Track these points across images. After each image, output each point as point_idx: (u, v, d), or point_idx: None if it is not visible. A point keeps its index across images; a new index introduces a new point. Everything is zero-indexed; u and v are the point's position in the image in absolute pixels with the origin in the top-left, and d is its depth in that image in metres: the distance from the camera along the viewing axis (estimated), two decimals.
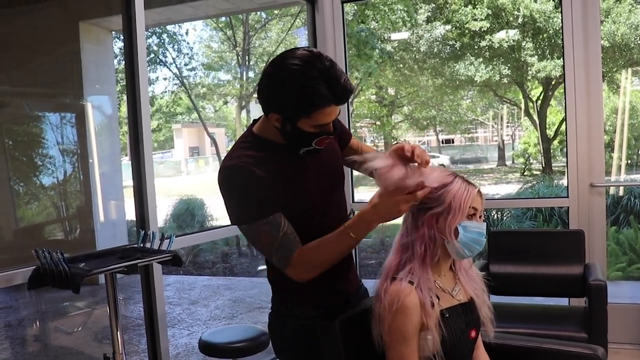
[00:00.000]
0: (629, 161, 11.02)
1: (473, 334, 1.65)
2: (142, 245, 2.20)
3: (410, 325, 1.52)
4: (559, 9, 3.47)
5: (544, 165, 12.55)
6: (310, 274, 1.58)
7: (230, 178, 1.55)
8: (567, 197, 3.53)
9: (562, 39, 3.46)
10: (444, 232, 1.56)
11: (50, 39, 4.60)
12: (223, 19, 9.64)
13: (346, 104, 3.90)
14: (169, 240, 2.16)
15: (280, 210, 1.56)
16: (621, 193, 7.42)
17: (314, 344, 1.66)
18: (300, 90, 1.43)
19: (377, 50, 10.02)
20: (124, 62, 2.66)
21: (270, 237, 1.54)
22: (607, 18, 9.21)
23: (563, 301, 3.51)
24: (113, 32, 5.60)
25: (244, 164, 1.53)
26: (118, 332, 2.07)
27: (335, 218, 1.72)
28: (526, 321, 2.94)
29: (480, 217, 1.61)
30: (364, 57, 9.74)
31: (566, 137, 3.54)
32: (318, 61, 1.44)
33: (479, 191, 1.60)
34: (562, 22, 3.46)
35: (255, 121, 1.67)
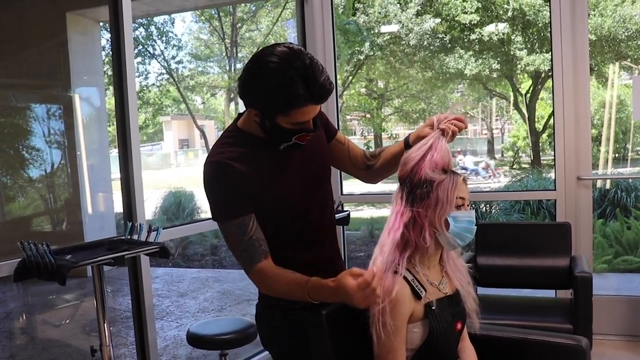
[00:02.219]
0: (617, 155, 11.10)
1: (459, 326, 1.67)
2: (129, 237, 2.20)
3: (399, 317, 1.53)
4: (548, 2, 3.49)
5: (532, 159, 12.61)
6: (265, 290, 1.62)
7: (210, 174, 1.57)
8: (555, 190, 3.56)
9: (550, 33, 3.47)
10: (434, 225, 1.57)
11: (37, 30, 4.55)
12: (213, 11, 9.58)
13: (335, 97, 3.89)
14: (156, 232, 2.16)
15: (261, 207, 1.56)
16: (608, 186, 7.48)
17: (302, 335, 1.66)
18: (276, 90, 1.42)
19: (367, 43, 9.99)
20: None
21: (236, 239, 1.56)
22: (594, 11, 9.24)
23: (550, 293, 3.55)
24: (100, 23, 5.55)
25: (225, 160, 1.55)
26: (105, 325, 2.07)
27: (319, 214, 1.73)
28: (513, 313, 2.97)
29: (468, 205, 1.62)
30: (352, 45, 9.69)
31: (554, 131, 3.56)
32: (297, 59, 1.43)
33: (463, 179, 1.61)
34: (550, 16, 3.48)
35: (240, 114, 1.67)
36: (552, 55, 3.49)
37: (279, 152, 1.60)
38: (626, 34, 9.26)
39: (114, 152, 5.79)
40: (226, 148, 1.59)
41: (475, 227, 1.61)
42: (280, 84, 1.42)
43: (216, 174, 1.56)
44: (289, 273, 1.55)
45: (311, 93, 1.43)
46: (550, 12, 3.47)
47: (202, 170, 1.59)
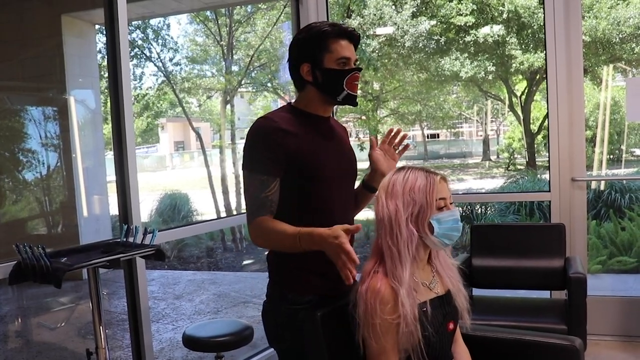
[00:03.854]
0: (611, 156, 11.14)
1: (451, 326, 1.67)
2: (124, 239, 2.19)
3: (390, 319, 1.53)
4: (542, 4, 3.51)
5: (527, 160, 12.64)
6: (260, 244, 1.77)
7: (255, 129, 1.74)
8: (549, 191, 3.58)
9: (545, 35, 3.49)
10: (419, 230, 1.57)
11: (32, 33, 4.54)
12: (208, 13, 9.56)
13: None
14: (151, 234, 2.16)
15: (297, 165, 1.70)
16: (602, 187, 7.50)
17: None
18: (316, 31, 1.77)
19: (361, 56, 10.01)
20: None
21: (255, 191, 1.71)
22: (589, 13, 9.28)
23: (545, 294, 3.56)
24: (96, 26, 5.55)
25: (274, 118, 1.74)
26: (101, 327, 2.06)
27: (344, 208, 1.83)
28: (508, 313, 2.98)
29: (451, 203, 1.62)
30: None
31: (548, 132, 3.58)
32: (328, 21, 1.79)
33: (442, 178, 1.61)
34: (544, 17, 3.49)
35: (289, 103, 1.89)
36: (546, 56, 3.50)
37: (323, 129, 1.82)
38: (620, 36, 9.30)
39: (110, 155, 5.79)
40: (277, 112, 1.81)
41: (461, 224, 1.61)
42: (319, 27, 1.78)
43: (261, 129, 1.73)
44: (284, 224, 1.67)
45: (341, 28, 1.77)
46: (544, 13, 3.49)
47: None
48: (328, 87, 1.77)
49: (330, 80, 1.76)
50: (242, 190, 1.79)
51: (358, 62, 1.82)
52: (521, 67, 10.39)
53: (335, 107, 3.05)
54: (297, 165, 1.71)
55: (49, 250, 1.91)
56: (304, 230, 1.61)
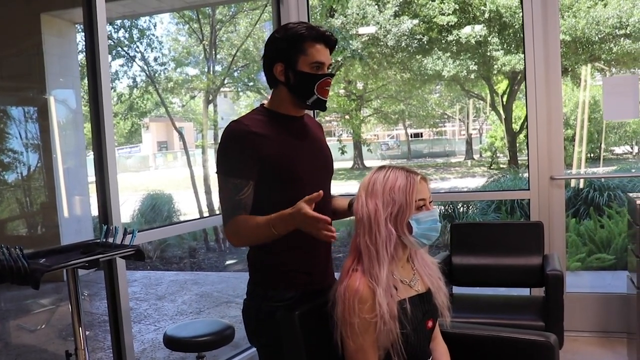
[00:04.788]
0: (592, 154, 11.29)
1: (430, 324, 1.69)
2: (104, 240, 2.18)
3: (368, 317, 1.54)
4: (521, 4, 3.55)
5: (509, 159, 12.76)
6: (237, 242, 1.78)
7: (227, 133, 1.75)
8: (529, 189, 3.62)
9: (523, 35, 3.53)
10: (397, 230, 1.58)
11: (10, 31, 4.49)
12: (192, 13, 9.52)
13: None
14: (131, 235, 2.15)
15: (271, 168, 1.72)
16: (582, 185, 7.59)
17: None
18: (292, 33, 1.76)
19: (343, 50, 10.05)
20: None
21: (229, 194, 1.73)
22: (569, 12, 9.39)
23: (525, 291, 3.60)
24: (77, 25, 5.50)
25: (245, 122, 1.75)
26: (80, 328, 2.05)
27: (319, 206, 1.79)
28: (488, 311, 3.01)
29: (430, 202, 1.63)
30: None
31: (527, 131, 3.62)
32: (306, 23, 1.80)
33: (422, 178, 1.62)
34: (522, 17, 3.54)
35: (262, 104, 1.89)
36: (525, 56, 3.54)
37: (295, 129, 1.82)
38: (599, 36, 9.42)
39: (91, 155, 5.73)
40: (249, 115, 1.82)
41: (440, 224, 1.63)
42: (294, 28, 1.77)
43: (233, 132, 1.74)
44: (256, 217, 1.70)
45: (319, 32, 1.76)
46: (522, 14, 3.53)
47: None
48: (299, 89, 1.77)
49: (302, 83, 1.76)
50: None
51: (331, 68, 1.82)
52: (503, 68, 10.49)
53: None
54: (270, 167, 1.71)
55: (27, 252, 1.90)
56: (274, 216, 1.63)
